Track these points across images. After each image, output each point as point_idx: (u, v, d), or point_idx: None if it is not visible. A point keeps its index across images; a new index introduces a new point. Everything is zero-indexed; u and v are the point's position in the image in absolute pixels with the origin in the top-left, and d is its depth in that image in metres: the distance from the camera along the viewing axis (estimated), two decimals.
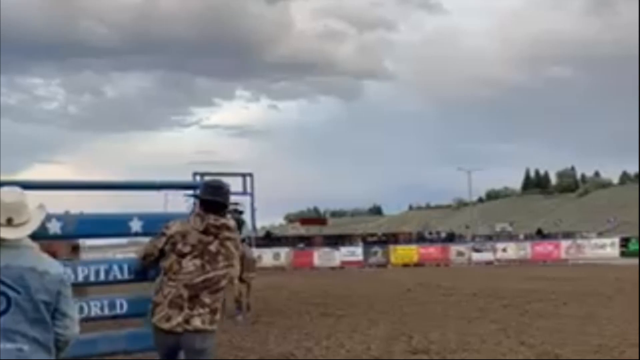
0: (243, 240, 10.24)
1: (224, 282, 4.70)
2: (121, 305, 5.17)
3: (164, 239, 4.69)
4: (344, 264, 42.63)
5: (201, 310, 4.56)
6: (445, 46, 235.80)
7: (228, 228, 4.70)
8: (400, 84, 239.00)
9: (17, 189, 3.39)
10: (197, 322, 4.55)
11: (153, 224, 5.18)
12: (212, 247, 4.62)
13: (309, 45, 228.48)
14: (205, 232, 4.63)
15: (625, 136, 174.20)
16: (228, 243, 4.68)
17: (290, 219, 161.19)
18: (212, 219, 4.65)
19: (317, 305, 15.67)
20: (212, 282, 4.61)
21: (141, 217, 5.43)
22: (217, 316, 4.70)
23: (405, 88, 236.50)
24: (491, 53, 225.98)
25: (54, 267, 3.30)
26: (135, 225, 5.36)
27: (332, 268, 41.21)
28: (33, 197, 3.55)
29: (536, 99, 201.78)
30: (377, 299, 17.26)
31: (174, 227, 4.70)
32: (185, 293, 4.54)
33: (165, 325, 4.52)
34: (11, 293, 3.11)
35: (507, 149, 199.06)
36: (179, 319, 4.51)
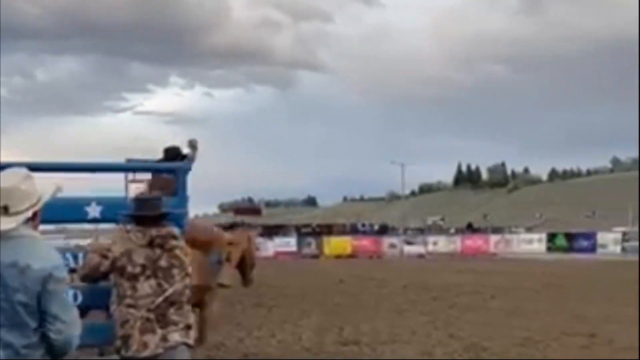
0: None
1: (186, 295, 4.47)
2: (75, 297, 4.61)
3: (107, 263, 4.41)
4: (278, 255, 42.62)
5: (174, 327, 4.38)
6: (382, 41, 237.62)
7: (174, 236, 4.50)
8: (336, 76, 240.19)
9: (21, 171, 2.98)
10: (175, 336, 4.35)
11: (113, 210, 4.79)
12: (163, 262, 4.39)
13: (246, 34, 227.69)
14: (150, 245, 4.40)
15: (555, 134, 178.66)
16: (177, 252, 4.46)
17: (223, 208, 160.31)
18: (154, 230, 4.43)
19: (249, 296, 15.60)
20: (174, 298, 4.40)
21: (100, 201, 4.91)
22: (192, 332, 4.49)
23: (341, 81, 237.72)
24: (426, 49, 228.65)
25: (40, 260, 2.85)
26: (94, 211, 4.85)
27: (266, 258, 41.16)
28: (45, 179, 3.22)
29: (470, 96, 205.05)
30: (309, 290, 17.31)
31: (117, 248, 4.42)
32: (152, 316, 4.34)
33: (145, 353, 4.30)
34: None
35: (440, 144, 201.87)
36: (156, 340, 4.31)
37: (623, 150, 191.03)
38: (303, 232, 55.79)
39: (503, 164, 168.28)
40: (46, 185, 3.08)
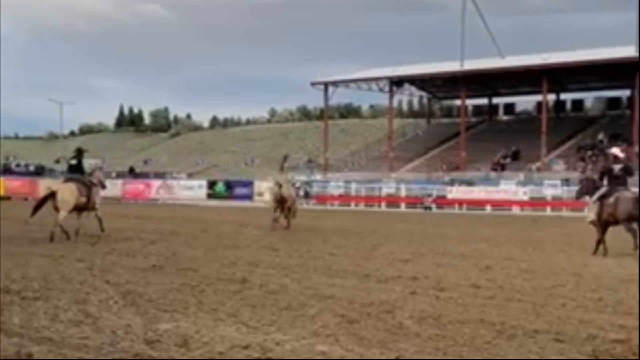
0: None
1: None
2: None
3: None
4: None
5: None
6: None
7: None
8: None
9: None
10: None
11: None
12: None
13: None
14: None
15: (215, 82, 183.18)
16: None
17: None
18: None
19: None
20: None
21: None
22: None
23: None
24: None
25: None
26: None
27: None
28: None
29: (131, 36, 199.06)
30: None
31: None
32: None
33: None
34: None
35: (101, 84, 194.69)
36: None
37: (280, 101, 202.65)
38: None
39: (166, 109, 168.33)
40: None
